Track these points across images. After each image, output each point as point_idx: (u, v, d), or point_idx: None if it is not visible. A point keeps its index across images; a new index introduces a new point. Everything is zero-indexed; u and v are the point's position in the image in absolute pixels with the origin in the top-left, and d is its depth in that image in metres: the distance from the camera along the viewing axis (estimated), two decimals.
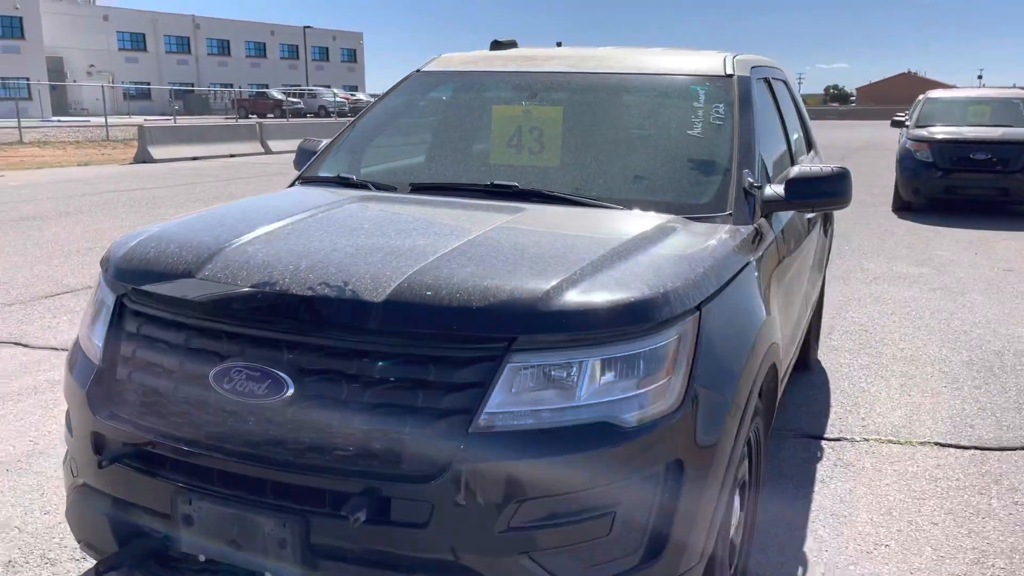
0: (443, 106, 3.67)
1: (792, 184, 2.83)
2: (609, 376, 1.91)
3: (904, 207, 12.04)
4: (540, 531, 1.84)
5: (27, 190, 13.84)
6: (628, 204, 2.73)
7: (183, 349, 2.07)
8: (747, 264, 2.48)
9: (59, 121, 44.19)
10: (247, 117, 43.99)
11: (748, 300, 2.43)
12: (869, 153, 24.27)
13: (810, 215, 3.60)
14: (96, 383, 2.19)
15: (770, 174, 3.05)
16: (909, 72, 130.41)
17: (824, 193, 2.84)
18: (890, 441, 3.95)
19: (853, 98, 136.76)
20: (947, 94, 13.96)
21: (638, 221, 2.55)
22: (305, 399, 1.90)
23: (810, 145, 4.61)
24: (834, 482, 3.52)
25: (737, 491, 2.48)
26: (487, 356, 1.86)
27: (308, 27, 76.58)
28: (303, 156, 3.47)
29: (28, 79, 52.17)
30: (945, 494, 3.42)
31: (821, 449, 3.85)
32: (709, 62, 3.32)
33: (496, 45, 3.85)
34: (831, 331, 5.78)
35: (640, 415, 1.90)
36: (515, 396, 1.85)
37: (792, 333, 3.33)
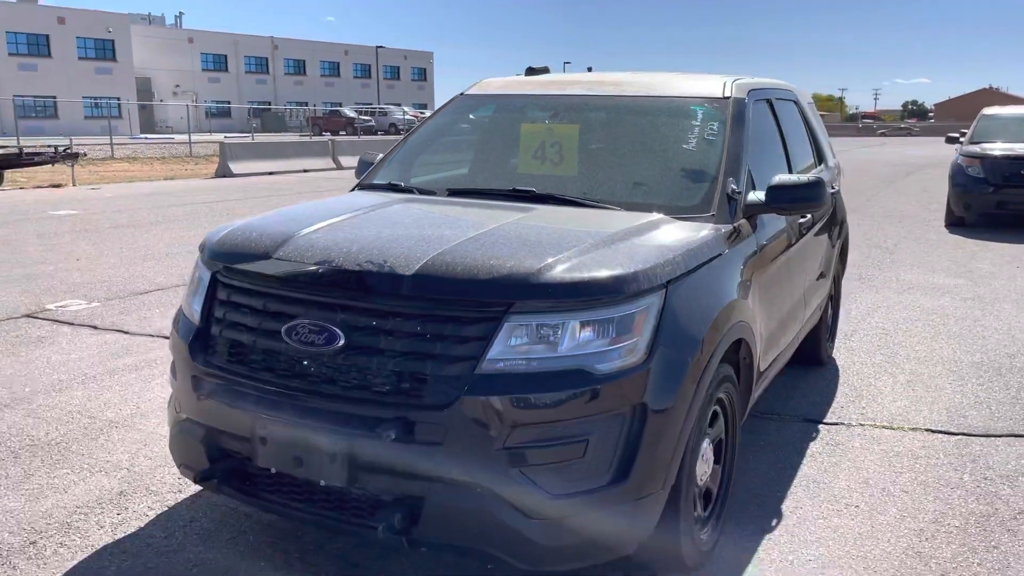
0: (481, 124, 4.26)
1: (772, 190, 3.31)
2: (587, 334, 2.44)
3: (956, 222, 12.14)
4: (528, 450, 2.37)
5: (120, 201, 15.03)
6: (627, 206, 3.25)
7: (261, 311, 2.69)
8: (719, 255, 2.97)
9: (146, 138, 46.66)
10: (321, 134, 45.63)
11: (717, 283, 2.92)
12: (936, 170, 24.00)
13: (801, 220, 4.03)
14: (196, 339, 2.82)
15: (756, 184, 3.50)
16: (990, 88, 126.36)
17: (799, 199, 3.31)
18: (883, 427, 4.34)
19: (932, 114, 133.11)
20: (1004, 111, 13.96)
21: (630, 218, 3.07)
22: (352, 348, 2.49)
23: (821, 159, 5.02)
24: (822, 457, 3.95)
25: (710, 445, 2.97)
26: (490, 316, 2.42)
27: (380, 47, 78.74)
28: (362, 167, 4.09)
29: (119, 99, 55.19)
30: (922, 470, 3.81)
31: (817, 431, 4.27)
32: (710, 86, 3.82)
33: (530, 71, 4.43)
34: (853, 334, 6.14)
35: (610, 366, 2.43)
36: (511, 347, 2.40)
37: (781, 323, 3.77)
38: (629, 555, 2.66)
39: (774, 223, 3.65)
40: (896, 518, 3.34)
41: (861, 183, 20.12)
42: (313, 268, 2.62)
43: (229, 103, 67.07)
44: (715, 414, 2.98)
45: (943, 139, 13.97)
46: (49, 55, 56.92)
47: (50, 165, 19.88)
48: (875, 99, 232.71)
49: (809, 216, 4.10)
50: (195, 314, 2.90)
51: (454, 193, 3.57)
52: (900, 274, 8.54)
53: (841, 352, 5.69)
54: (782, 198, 3.30)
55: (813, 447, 4.06)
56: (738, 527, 3.24)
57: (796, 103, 4.78)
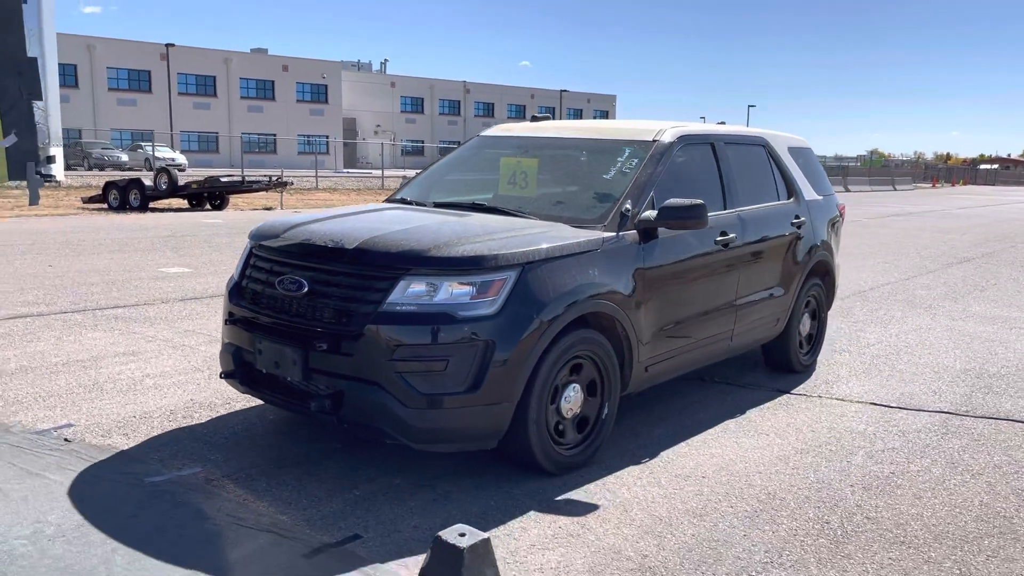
0: (485, 156, 5.52)
1: (662, 210, 4.31)
2: (457, 291, 3.63)
3: None
4: (407, 362, 3.54)
5: None
6: (545, 217, 4.37)
7: (268, 270, 4.05)
8: (590, 252, 4.03)
9: (348, 172, 51.97)
10: None
11: (580, 270, 3.95)
12: None
13: (719, 239, 4.89)
14: (233, 289, 4.28)
15: (655, 206, 4.39)
16: None
17: (683, 216, 4.28)
18: (836, 399, 5.54)
19: None
20: None
21: (533, 223, 4.22)
22: (312, 293, 3.78)
23: (792, 194, 5.93)
24: (768, 410, 5.24)
25: (582, 389, 4.04)
26: (393, 276, 3.64)
27: (564, 91, 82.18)
28: (400, 187, 5.54)
29: (327, 136, 61.68)
30: (839, 423, 5.01)
31: (778, 397, 5.53)
32: (645, 131, 4.87)
33: (534, 118, 5.90)
34: (874, 344, 7.17)
35: (470, 313, 3.58)
36: (404, 296, 3.61)
37: (689, 319, 4.73)
38: (493, 449, 3.84)
39: (684, 241, 4.59)
40: (790, 442, 4.64)
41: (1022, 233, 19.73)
42: (299, 243, 3.99)
43: (422, 142, 72.68)
44: (581, 365, 4.03)
45: None
46: (273, 98, 64.72)
47: (264, 192, 23.59)
48: None
49: (733, 236, 5.02)
50: (237, 273, 4.33)
51: (438, 205, 4.81)
52: (970, 306, 9.23)
53: (852, 355, 6.78)
54: (669, 216, 4.28)
55: (766, 405, 5.35)
56: (668, 435, 4.67)
57: (765, 147, 5.82)
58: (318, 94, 67.45)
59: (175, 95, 59.34)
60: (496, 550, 3.21)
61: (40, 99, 4.49)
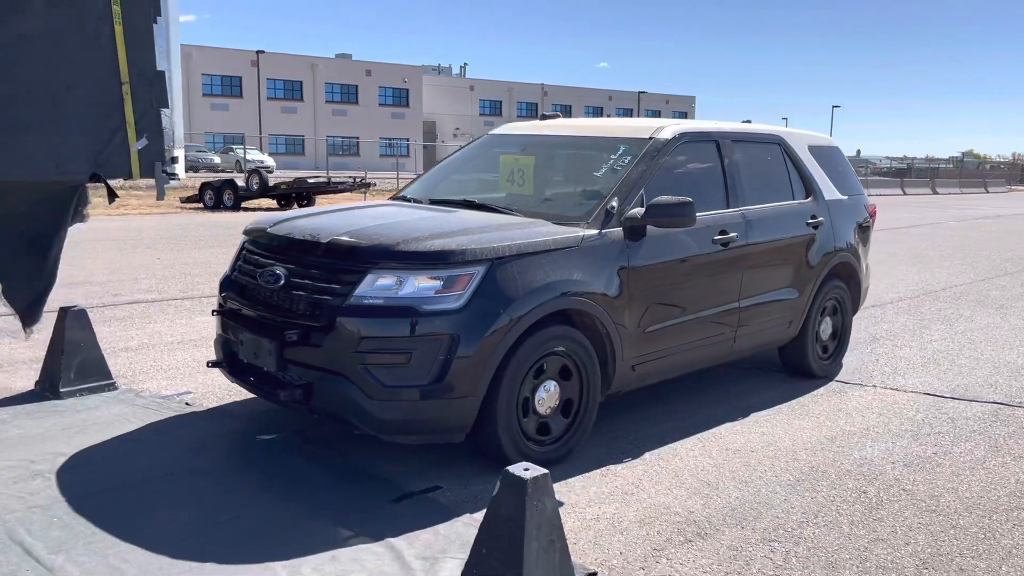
0: (491, 154, 5.48)
1: (649, 208, 4.25)
2: (422, 285, 3.67)
3: None
4: (371, 354, 3.59)
5: None
6: (530, 214, 4.36)
7: (253, 264, 4.16)
8: (566, 248, 3.99)
9: None
10: None
11: (555, 266, 3.93)
12: None
13: (717, 238, 4.77)
14: (224, 281, 4.41)
15: (644, 204, 4.31)
16: None
17: (671, 214, 4.23)
18: (890, 388, 5.77)
19: None
20: None
21: (512, 220, 4.22)
22: (288, 286, 3.87)
23: (810, 193, 5.74)
24: (823, 397, 5.52)
25: (557, 384, 4.01)
26: (361, 270, 3.70)
27: (643, 92, 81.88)
28: (405, 185, 5.58)
29: (408, 139, 63.14)
30: (888, 409, 5.26)
31: (835, 385, 5.80)
32: (643, 128, 4.81)
33: (544, 117, 5.96)
34: (938, 340, 7.31)
35: (435, 307, 3.62)
36: (371, 289, 3.65)
37: (673, 318, 4.56)
38: (461, 442, 3.89)
39: (677, 240, 4.48)
40: (839, 424, 4.93)
41: None
42: (280, 237, 4.14)
43: None
44: (558, 361, 4.00)
45: None
46: (357, 102, 66.63)
47: (348, 192, 24.59)
48: None
49: (735, 235, 4.88)
50: (229, 267, 4.48)
51: (434, 202, 4.85)
52: None
53: (913, 349, 6.95)
54: (656, 213, 4.23)
55: (820, 391, 5.64)
56: (723, 415, 5.02)
57: (780, 145, 5.67)
58: (400, 98, 69.04)
59: (264, 100, 61.67)
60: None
61: (167, 107, 5.07)
